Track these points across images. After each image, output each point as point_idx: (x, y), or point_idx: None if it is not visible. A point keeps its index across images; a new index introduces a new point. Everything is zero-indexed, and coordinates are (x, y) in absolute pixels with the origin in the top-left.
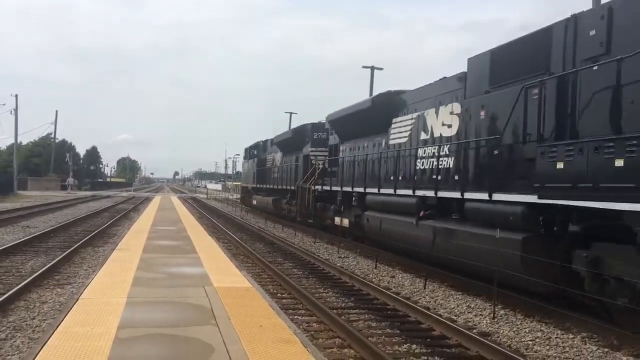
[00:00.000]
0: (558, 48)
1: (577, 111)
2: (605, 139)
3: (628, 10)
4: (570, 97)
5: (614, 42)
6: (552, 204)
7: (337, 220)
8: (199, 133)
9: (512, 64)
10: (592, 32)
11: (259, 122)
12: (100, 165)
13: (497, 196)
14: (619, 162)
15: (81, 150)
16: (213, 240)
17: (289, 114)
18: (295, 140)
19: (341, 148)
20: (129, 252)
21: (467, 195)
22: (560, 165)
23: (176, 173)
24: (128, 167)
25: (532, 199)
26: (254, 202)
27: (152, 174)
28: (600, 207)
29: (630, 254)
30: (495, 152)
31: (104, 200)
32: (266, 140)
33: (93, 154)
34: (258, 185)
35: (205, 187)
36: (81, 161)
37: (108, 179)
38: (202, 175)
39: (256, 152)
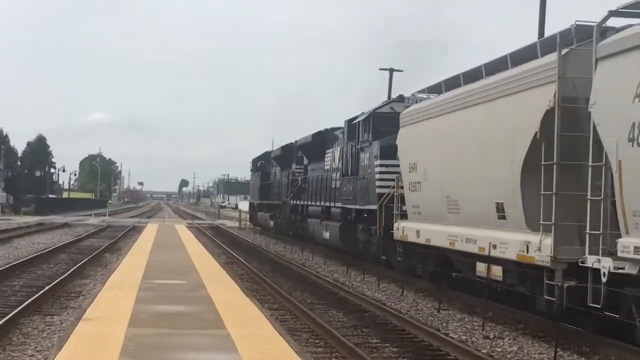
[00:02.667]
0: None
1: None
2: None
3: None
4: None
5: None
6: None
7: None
8: (226, 109)
9: (349, 133)
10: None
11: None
12: (52, 169)
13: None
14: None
15: (20, 144)
16: (244, 295)
17: (387, 71)
18: (285, 156)
19: (309, 168)
20: (106, 325)
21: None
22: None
23: (184, 183)
24: (100, 171)
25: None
26: (258, 219)
27: (140, 184)
28: (357, 207)
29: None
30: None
31: (57, 231)
32: (277, 149)
33: (38, 150)
34: (262, 202)
35: (236, 206)
36: (19, 163)
37: (65, 193)
38: (229, 186)
39: (263, 163)
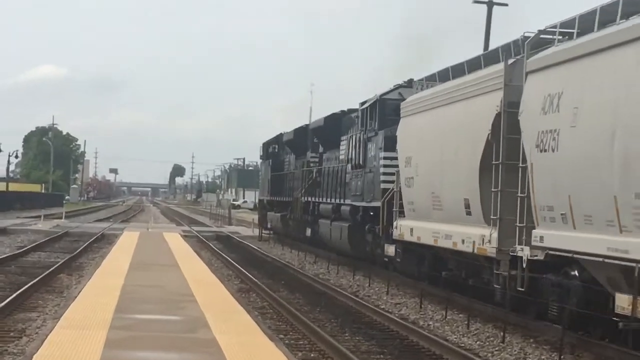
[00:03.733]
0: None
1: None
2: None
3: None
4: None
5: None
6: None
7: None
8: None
9: (362, 119)
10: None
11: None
12: None
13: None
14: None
15: None
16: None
17: (484, 4)
18: (299, 142)
19: (324, 157)
20: None
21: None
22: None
23: (177, 171)
24: (53, 152)
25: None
26: (269, 221)
27: (113, 171)
28: (364, 205)
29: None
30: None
31: None
32: (290, 132)
33: None
34: (272, 198)
35: (255, 206)
36: None
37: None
38: (244, 176)
39: (275, 149)
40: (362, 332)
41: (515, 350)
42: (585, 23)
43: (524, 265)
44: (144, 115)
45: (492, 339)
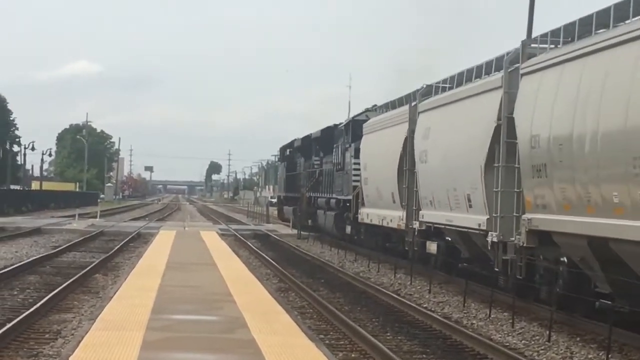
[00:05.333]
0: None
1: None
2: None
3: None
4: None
5: (352, 138)
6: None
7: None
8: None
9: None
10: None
11: None
12: (16, 147)
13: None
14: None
15: None
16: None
17: None
18: (306, 147)
19: (323, 161)
20: None
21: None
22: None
23: (214, 168)
24: (88, 150)
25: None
26: (284, 214)
27: (148, 169)
28: (343, 198)
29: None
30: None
31: (23, 240)
32: (299, 139)
33: None
34: (287, 194)
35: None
36: None
37: (35, 183)
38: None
39: (290, 152)
40: (404, 331)
41: (561, 350)
42: (460, 78)
43: (415, 234)
44: (179, 111)
45: (537, 337)
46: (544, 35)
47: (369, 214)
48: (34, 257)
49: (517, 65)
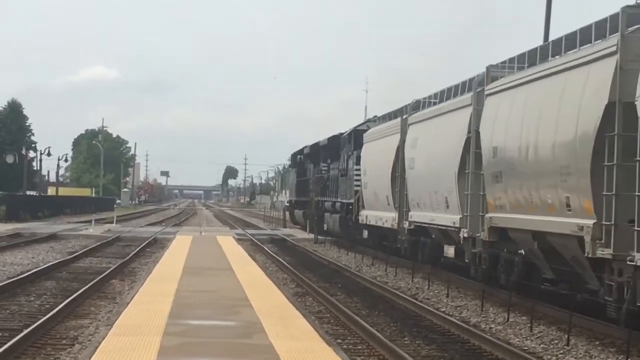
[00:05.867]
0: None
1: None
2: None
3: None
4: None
5: (354, 146)
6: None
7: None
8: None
9: (350, 142)
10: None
11: None
12: (32, 153)
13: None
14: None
15: None
16: None
17: None
18: (315, 154)
19: (330, 167)
20: None
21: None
22: (342, 185)
23: (230, 173)
24: (104, 155)
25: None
26: (295, 217)
27: (165, 174)
28: (346, 201)
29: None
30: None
31: (40, 246)
32: (309, 147)
33: (11, 123)
34: (298, 199)
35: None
36: None
37: (51, 189)
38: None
39: (301, 159)
40: (422, 335)
41: (580, 353)
42: (442, 95)
43: (406, 232)
44: (195, 116)
45: (556, 341)
46: (510, 59)
47: (367, 216)
48: (51, 263)
49: (483, 87)
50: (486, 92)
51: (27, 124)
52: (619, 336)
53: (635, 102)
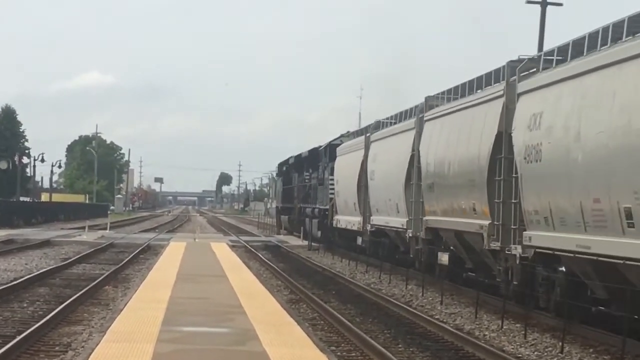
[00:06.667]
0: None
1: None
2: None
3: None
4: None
5: (329, 159)
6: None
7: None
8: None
9: (325, 154)
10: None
11: None
12: (26, 159)
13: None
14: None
15: None
16: None
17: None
18: (299, 165)
19: (312, 176)
20: None
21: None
22: (320, 193)
23: (224, 180)
24: (97, 162)
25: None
26: (281, 222)
27: (159, 181)
28: (323, 207)
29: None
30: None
31: (33, 252)
32: (293, 157)
33: (4, 129)
34: (284, 205)
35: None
36: None
37: (44, 195)
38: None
39: (287, 168)
40: (416, 343)
41: None
42: (396, 116)
43: (368, 234)
44: (189, 123)
45: (550, 349)
46: (443, 92)
47: (339, 220)
48: (44, 269)
49: (423, 114)
50: (425, 118)
51: (20, 130)
52: (613, 343)
53: (512, 133)
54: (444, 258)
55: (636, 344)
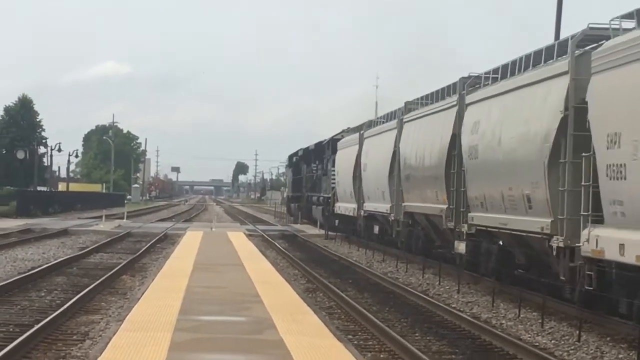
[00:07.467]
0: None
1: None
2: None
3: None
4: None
5: (331, 152)
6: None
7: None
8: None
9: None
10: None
11: None
12: (43, 148)
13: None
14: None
15: None
16: None
17: None
18: (307, 157)
19: (318, 168)
20: None
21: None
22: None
23: (240, 169)
24: (114, 151)
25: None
26: (291, 209)
27: (175, 170)
28: (326, 196)
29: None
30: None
31: (51, 242)
32: (302, 150)
33: (21, 119)
34: (293, 194)
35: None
36: None
37: (61, 185)
38: None
39: (297, 159)
40: (432, 331)
41: (591, 349)
42: (384, 117)
43: (362, 218)
44: (206, 112)
45: (567, 337)
46: (421, 97)
47: (339, 207)
48: (61, 259)
49: (402, 117)
50: (404, 120)
51: (37, 120)
52: (630, 332)
53: (461, 136)
54: (460, 247)
55: None
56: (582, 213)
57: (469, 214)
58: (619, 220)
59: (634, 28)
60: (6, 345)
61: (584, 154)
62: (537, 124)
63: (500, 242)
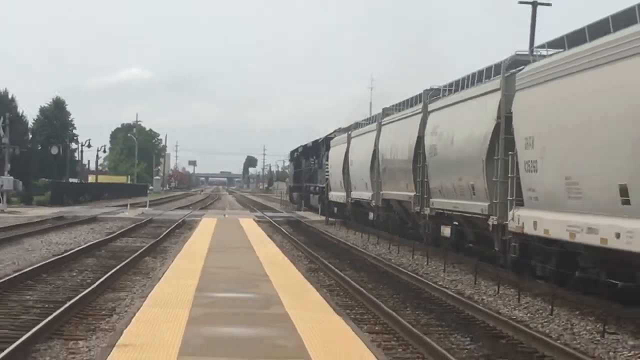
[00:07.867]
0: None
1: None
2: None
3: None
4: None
5: (325, 149)
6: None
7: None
8: (307, 63)
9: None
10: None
11: None
12: (74, 145)
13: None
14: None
15: (31, 110)
16: None
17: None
18: (306, 152)
19: (316, 162)
20: (147, 354)
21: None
22: (320, 175)
23: (250, 162)
24: (138, 147)
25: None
26: (292, 198)
27: (192, 163)
28: (321, 186)
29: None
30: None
31: (81, 227)
32: (302, 146)
33: (55, 118)
34: (294, 184)
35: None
36: (29, 136)
37: (91, 177)
38: None
39: (298, 154)
40: (421, 306)
41: (562, 322)
42: (366, 120)
43: (350, 205)
44: (219, 109)
45: (541, 311)
46: (396, 104)
47: (332, 195)
48: (91, 243)
49: (381, 120)
50: (382, 124)
51: (69, 119)
52: (598, 306)
53: (424, 137)
54: (446, 231)
55: (618, 308)
56: (509, 198)
57: (430, 199)
58: (533, 203)
59: (547, 55)
60: (42, 319)
61: (510, 153)
62: (478, 128)
63: (455, 223)
